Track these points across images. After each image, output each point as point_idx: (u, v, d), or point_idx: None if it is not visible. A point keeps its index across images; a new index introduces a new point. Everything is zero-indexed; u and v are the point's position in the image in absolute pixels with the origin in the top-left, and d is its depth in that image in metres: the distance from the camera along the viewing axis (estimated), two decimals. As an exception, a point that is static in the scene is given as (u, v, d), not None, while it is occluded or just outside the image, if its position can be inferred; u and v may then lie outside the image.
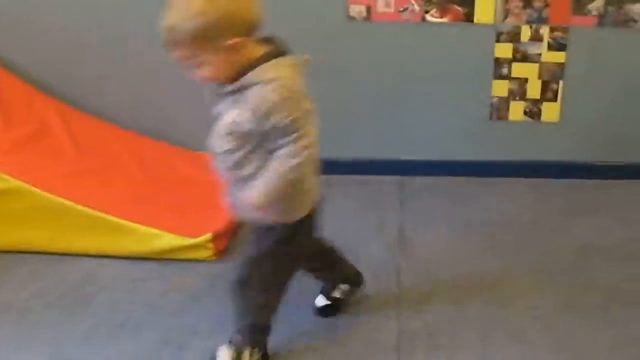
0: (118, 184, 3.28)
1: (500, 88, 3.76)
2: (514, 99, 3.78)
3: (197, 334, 2.67)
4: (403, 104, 3.78)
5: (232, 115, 2.15)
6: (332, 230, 2.66)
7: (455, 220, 3.43)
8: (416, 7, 3.57)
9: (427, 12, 3.59)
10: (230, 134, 2.17)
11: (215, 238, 3.05)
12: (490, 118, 3.82)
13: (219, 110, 2.22)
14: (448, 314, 2.78)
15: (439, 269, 3.04)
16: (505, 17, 3.60)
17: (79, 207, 2.98)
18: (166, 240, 3.00)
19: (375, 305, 2.81)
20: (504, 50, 3.67)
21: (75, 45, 3.74)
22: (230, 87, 2.14)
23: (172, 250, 3.01)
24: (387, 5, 3.58)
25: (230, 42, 2.06)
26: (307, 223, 2.37)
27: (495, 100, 3.78)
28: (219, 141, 2.22)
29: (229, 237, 3.16)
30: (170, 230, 3.02)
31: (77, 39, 3.72)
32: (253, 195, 2.17)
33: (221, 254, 3.09)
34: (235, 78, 2.13)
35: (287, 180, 2.14)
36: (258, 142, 2.15)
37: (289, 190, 2.17)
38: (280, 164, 2.13)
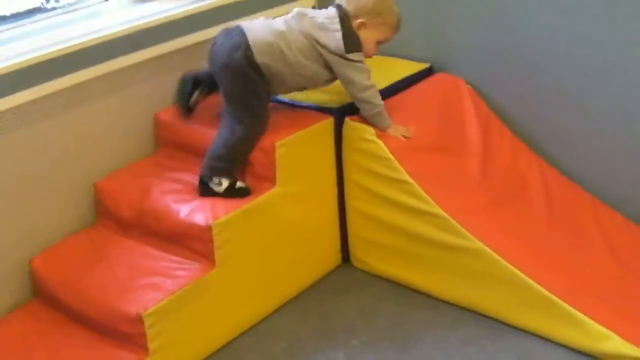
0: (581, 268, 2.91)
1: None
2: None
3: None
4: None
5: None
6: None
7: None
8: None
9: None
10: None
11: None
12: None
13: None
14: None
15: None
16: None
17: (535, 285, 2.71)
18: (615, 344, 2.62)
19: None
20: None
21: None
22: None
23: (620, 357, 2.62)
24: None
25: None
26: None
27: None
28: None
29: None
30: (623, 335, 2.63)
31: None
32: None
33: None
34: None
35: None
36: None
37: None
38: None
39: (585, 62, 3.14)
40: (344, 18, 2.90)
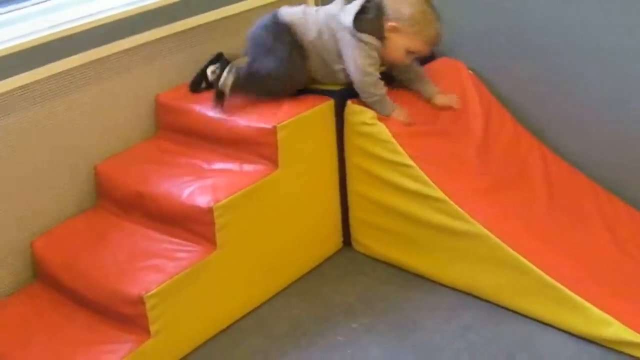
0: (582, 253, 2.88)
1: None
2: None
3: None
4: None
5: None
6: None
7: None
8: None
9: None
10: None
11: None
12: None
13: None
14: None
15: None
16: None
17: (536, 270, 2.71)
18: (615, 329, 2.61)
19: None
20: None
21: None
22: None
23: (620, 342, 2.62)
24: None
25: None
26: None
27: None
28: None
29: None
30: (623, 320, 2.62)
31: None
32: None
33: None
34: None
35: None
36: None
37: None
38: None
39: (586, 46, 3.14)
40: (373, 8, 2.95)
